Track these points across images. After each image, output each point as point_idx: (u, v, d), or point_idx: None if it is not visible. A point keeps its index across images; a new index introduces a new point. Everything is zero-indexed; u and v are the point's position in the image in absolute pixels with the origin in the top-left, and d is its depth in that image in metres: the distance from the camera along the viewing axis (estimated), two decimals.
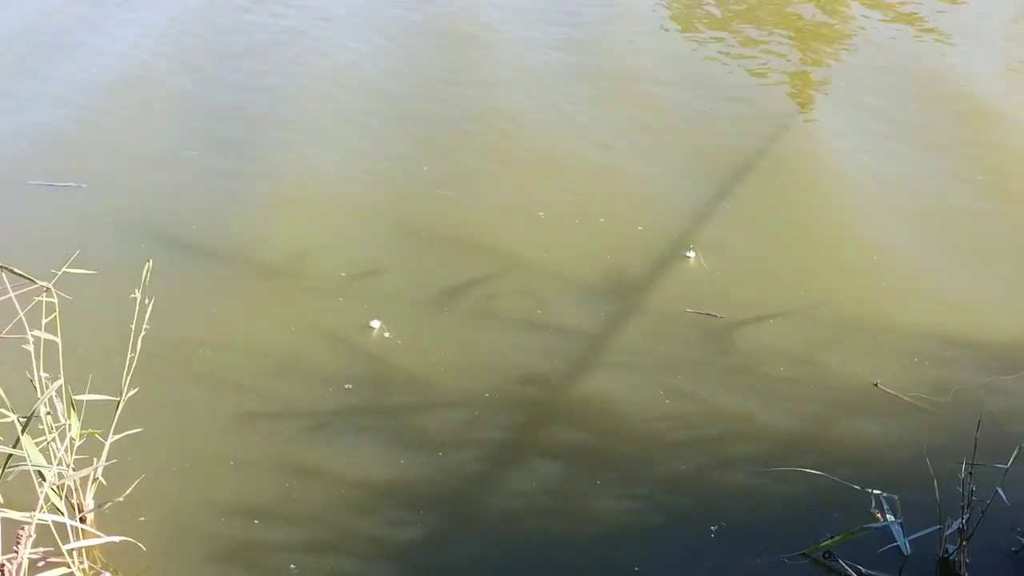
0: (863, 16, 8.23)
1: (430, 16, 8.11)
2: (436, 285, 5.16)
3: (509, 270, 5.27)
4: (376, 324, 4.88)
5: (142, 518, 3.96)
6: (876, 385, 4.60)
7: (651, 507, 4.09)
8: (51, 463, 3.57)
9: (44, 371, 3.69)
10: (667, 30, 7.99)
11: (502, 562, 3.87)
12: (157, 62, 7.37)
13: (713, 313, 4.95)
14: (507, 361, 4.73)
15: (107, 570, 3.80)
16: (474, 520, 4.04)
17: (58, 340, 3.67)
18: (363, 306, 5.00)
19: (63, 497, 3.74)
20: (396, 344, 4.81)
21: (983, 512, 3.74)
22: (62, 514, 3.65)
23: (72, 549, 3.66)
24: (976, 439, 3.84)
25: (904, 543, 3.88)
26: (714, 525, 4.00)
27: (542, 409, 4.51)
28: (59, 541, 3.60)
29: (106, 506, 3.90)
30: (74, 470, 3.77)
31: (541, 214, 5.67)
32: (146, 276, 3.79)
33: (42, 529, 3.62)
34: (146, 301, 3.84)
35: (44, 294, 3.57)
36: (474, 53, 7.52)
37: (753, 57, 7.54)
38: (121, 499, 3.92)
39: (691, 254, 5.40)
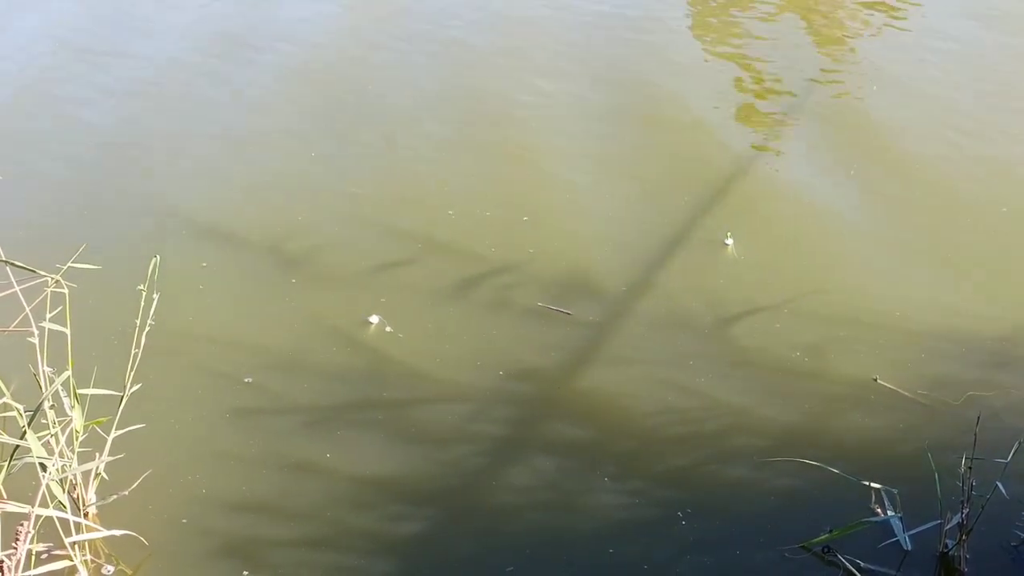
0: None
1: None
2: (436, 280, 5.16)
3: (509, 263, 5.27)
4: (375, 319, 4.89)
5: (144, 512, 3.97)
6: (876, 380, 4.61)
7: (650, 501, 4.10)
8: (54, 457, 3.58)
9: (46, 365, 3.70)
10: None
11: (501, 557, 3.89)
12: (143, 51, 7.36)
13: (562, 310, 4.95)
14: (507, 355, 4.73)
15: (109, 563, 3.81)
16: (473, 515, 4.06)
17: (67, 331, 3.67)
18: (363, 301, 5.01)
19: (66, 491, 3.75)
20: (397, 338, 4.81)
21: (983, 507, 3.76)
22: (65, 508, 3.66)
23: (74, 542, 3.66)
24: (976, 433, 3.86)
25: (904, 538, 3.90)
26: (713, 519, 4.02)
27: (541, 403, 4.52)
28: (62, 534, 3.61)
29: (110, 500, 3.91)
30: (77, 464, 3.78)
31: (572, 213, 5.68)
32: (153, 272, 3.80)
33: (47, 522, 3.63)
34: (152, 296, 3.85)
35: (52, 285, 3.57)
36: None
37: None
38: (126, 493, 3.93)
39: (729, 241, 5.40)
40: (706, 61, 7.38)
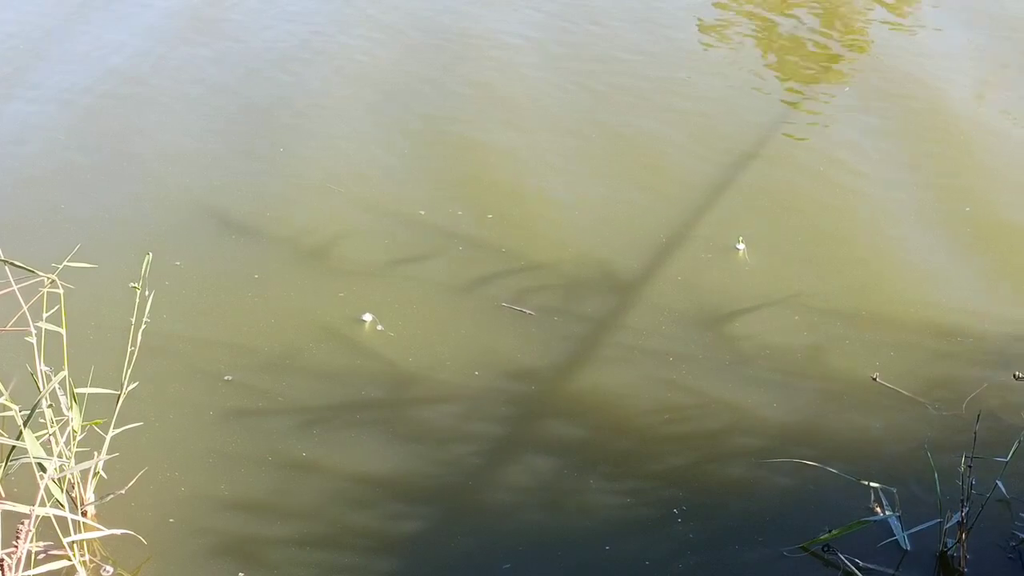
0: None
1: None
2: (430, 279, 5.16)
3: (505, 263, 5.27)
4: (368, 317, 4.89)
5: (142, 511, 3.97)
6: (875, 379, 4.61)
7: (649, 501, 4.10)
8: (52, 456, 3.58)
9: (44, 365, 3.70)
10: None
11: (498, 556, 3.88)
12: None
13: (525, 310, 4.95)
14: (502, 354, 4.73)
15: (107, 563, 3.81)
16: (469, 513, 4.06)
17: (63, 331, 3.67)
18: (353, 299, 5.00)
19: (64, 490, 3.75)
20: (389, 336, 4.81)
21: (982, 505, 3.76)
22: (63, 507, 3.66)
23: (73, 542, 3.66)
24: (975, 432, 3.85)
25: (903, 537, 3.89)
26: (711, 518, 4.01)
27: (538, 403, 4.52)
28: (60, 534, 3.60)
29: (107, 499, 3.91)
30: (75, 463, 3.78)
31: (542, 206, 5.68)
32: (146, 269, 3.79)
33: (45, 522, 3.63)
34: (146, 294, 3.85)
35: (48, 285, 3.57)
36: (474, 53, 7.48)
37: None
38: (123, 492, 3.93)
39: (741, 246, 5.38)
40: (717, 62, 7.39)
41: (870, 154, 6.26)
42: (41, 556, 3.71)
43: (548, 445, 4.32)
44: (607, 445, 4.31)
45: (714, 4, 8.20)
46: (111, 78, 6.99)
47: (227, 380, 4.56)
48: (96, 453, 3.86)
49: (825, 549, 3.89)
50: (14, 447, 3.59)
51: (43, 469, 3.57)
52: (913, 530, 3.90)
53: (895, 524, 3.92)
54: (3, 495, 3.84)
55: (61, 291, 3.61)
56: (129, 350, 3.85)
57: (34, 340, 3.62)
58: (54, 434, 3.66)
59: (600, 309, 4.99)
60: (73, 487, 3.87)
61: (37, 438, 3.58)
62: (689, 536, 3.94)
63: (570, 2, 8.04)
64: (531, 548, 3.90)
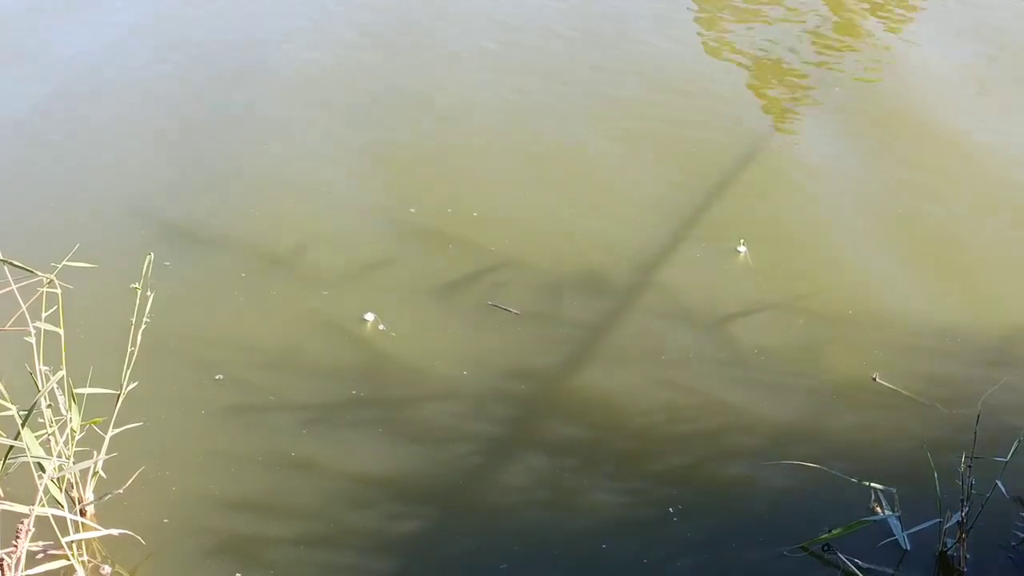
0: None
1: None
2: (432, 278, 5.15)
3: (506, 263, 5.26)
4: (370, 316, 4.88)
5: (141, 511, 3.96)
6: (875, 379, 4.61)
7: (648, 501, 4.10)
8: (51, 456, 3.58)
9: (44, 364, 3.70)
10: None
11: (498, 555, 3.88)
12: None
13: (511, 309, 4.94)
14: (503, 354, 4.72)
15: (107, 563, 3.80)
16: (470, 513, 4.05)
17: (60, 331, 3.67)
18: (358, 299, 5.00)
19: (63, 490, 3.75)
20: (391, 336, 4.81)
21: (983, 505, 3.75)
22: (62, 507, 3.66)
23: (72, 542, 3.66)
24: (975, 432, 3.85)
25: (903, 537, 3.89)
26: (711, 517, 4.01)
27: (538, 402, 4.51)
28: (59, 534, 3.60)
29: (105, 498, 3.90)
30: (74, 463, 3.77)
31: (539, 207, 5.68)
32: (147, 270, 3.79)
33: (43, 522, 3.63)
34: (147, 294, 3.85)
35: (46, 286, 3.56)
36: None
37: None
38: (121, 491, 3.92)
39: (742, 249, 5.37)
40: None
41: (868, 156, 6.26)
42: (40, 556, 3.71)
43: (546, 445, 4.31)
44: (606, 445, 4.31)
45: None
46: (91, 78, 6.97)
47: (219, 380, 4.55)
48: (95, 452, 3.86)
49: (825, 549, 3.89)
50: (11, 447, 3.59)
51: (42, 469, 3.57)
52: (913, 530, 3.89)
53: (895, 524, 3.92)
54: (2, 495, 3.83)
55: (59, 291, 3.60)
56: (129, 350, 3.84)
57: (33, 340, 3.61)
58: (53, 434, 3.65)
59: (601, 309, 4.98)
60: (72, 487, 3.87)
61: (36, 438, 3.58)
62: (687, 536, 3.94)
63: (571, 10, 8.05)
64: (528, 548, 3.90)
